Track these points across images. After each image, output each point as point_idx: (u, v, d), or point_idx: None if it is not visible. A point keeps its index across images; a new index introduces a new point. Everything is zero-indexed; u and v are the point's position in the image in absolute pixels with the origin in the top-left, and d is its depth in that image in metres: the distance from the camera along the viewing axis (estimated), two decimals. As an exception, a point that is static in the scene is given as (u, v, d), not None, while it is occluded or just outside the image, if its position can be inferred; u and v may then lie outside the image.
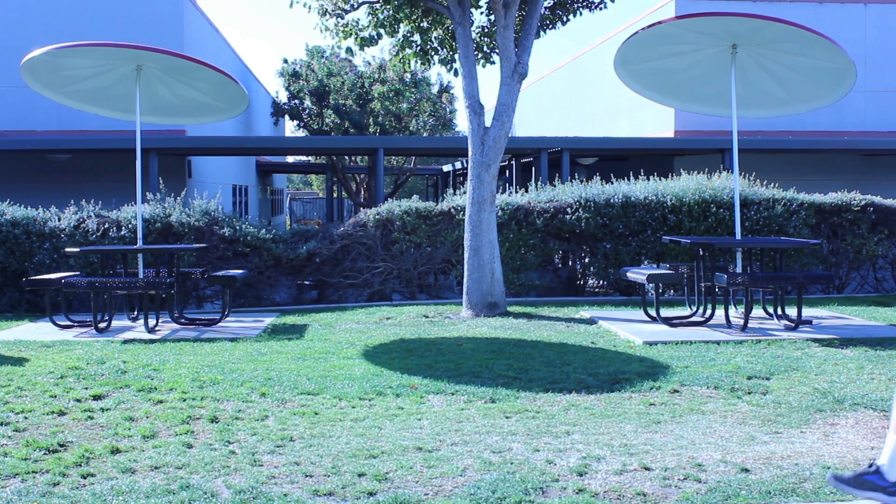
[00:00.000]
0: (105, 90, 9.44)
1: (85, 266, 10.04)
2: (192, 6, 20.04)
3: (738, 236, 8.88)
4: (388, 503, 3.60)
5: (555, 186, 11.74)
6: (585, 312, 9.34)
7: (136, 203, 9.54)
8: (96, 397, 5.43)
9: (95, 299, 8.26)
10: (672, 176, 11.68)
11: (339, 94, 30.23)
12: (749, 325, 8.04)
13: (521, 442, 4.47)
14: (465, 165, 23.84)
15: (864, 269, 11.65)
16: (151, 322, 8.44)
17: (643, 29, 8.37)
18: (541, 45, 76.67)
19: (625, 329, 8.00)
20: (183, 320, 8.79)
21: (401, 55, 10.98)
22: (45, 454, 4.25)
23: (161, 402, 5.33)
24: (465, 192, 10.57)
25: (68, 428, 4.75)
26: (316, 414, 5.05)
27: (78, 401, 5.34)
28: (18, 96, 17.91)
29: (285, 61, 31.95)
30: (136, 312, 9.17)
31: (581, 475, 3.94)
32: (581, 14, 10.93)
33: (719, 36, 8.43)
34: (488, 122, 9.80)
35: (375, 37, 10.63)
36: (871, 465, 3.42)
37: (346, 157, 30.11)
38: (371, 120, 30.45)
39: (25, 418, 4.94)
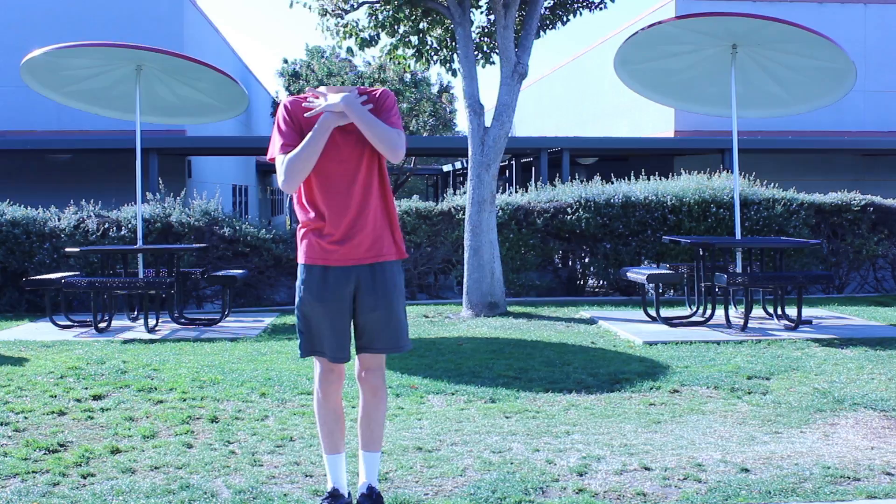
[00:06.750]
0: (105, 90, 9.43)
1: (85, 266, 10.04)
2: (192, 6, 20.04)
3: (738, 236, 8.88)
4: (387, 503, 3.60)
5: (555, 186, 11.73)
6: (585, 312, 9.34)
7: (136, 203, 9.54)
8: (96, 397, 5.44)
9: (95, 299, 8.26)
10: (672, 176, 11.68)
11: (339, 94, 30.22)
12: (749, 325, 8.04)
13: (521, 442, 4.47)
14: (465, 165, 23.87)
15: (864, 269, 11.65)
16: (151, 322, 8.44)
17: (643, 29, 8.37)
18: (541, 45, 76.68)
19: (625, 329, 8.00)
20: (183, 320, 8.79)
21: (393, 54, 10.98)
22: (45, 454, 4.25)
23: (161, 402, 5.33)
24: (465, 192, 10.56)
25: (68, 428, 4.75)
26: (316, 414, 5.04)
27: (78, 401, 5.34)
28: (18, 96, 17.91)
29: (285, 61, 32.02)
30: (136, 312, 9.17)
31: (581, 475, 3.94)
32: (581, 14, 10.93)
33: (719, 36, 8.43)
34: (488, 122, 9.79)
35: (375, 37, 10.64)
36: None
37: (346, 157, 30.07)
38: (371, 120, 30.41)
39: (25, 418, 4.94)
